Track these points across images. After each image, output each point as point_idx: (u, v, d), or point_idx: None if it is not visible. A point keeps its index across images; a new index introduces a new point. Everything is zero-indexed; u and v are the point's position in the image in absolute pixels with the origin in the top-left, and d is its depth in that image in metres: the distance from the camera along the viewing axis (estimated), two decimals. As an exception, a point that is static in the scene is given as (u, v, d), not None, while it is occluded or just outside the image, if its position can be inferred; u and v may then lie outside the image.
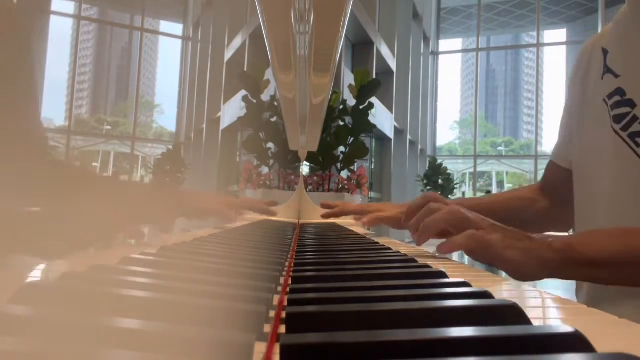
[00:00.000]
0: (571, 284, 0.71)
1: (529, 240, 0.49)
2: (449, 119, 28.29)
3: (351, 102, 2.41)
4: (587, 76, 0.68)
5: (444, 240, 0.53)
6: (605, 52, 0.65)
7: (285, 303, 0.26)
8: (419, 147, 13.59)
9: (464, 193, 15.92)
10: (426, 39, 15.00)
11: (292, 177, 2.15)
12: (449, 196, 9.67)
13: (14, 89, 0.55)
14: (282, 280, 0.35)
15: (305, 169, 2.49)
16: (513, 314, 0.23)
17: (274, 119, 2.43)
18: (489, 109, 33.70)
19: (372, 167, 11.00)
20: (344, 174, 2.31)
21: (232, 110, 9.77)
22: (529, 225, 0.78)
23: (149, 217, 0.57)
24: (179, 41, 17.43)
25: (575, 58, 0.73)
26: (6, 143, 0.52)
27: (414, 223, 0.58)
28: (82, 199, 0.53)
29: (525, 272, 0.47)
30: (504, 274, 0.50)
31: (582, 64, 0.71)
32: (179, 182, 8.32)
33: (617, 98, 0.61)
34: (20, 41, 0.56)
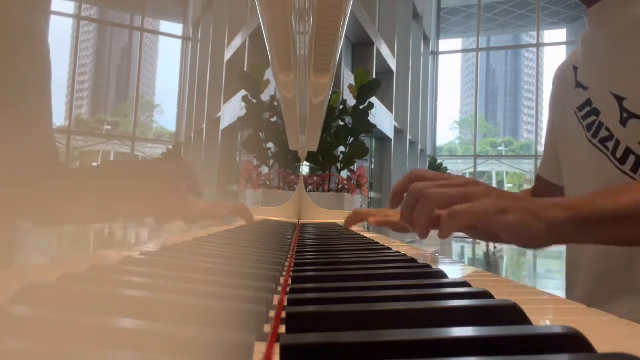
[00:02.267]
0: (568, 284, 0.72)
1: (529, 201, 0.43)
2: (449, 119, 28.32)
3: (351, 102, 2.40)
4: (564, 93, 0.73)
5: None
6: (575, 69, 0.69)
7: (285, 303, 0.26)
8: (419, 147, 13.60)
9: (464, 193, 15.88)
10: (426, 39, 15.01)
11: (292, 177, 2.15)
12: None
13: (23, 92, 0.55)
14: (282, 280, 0.35)
15: (305, 169, 2.49)
16: (513, 314, 0.23)
17: (274, 119, 2.42)
18: (489, 109, 33.71)
19: (372, 167, 11.00)
20: (344, 174, 2.31)
21: (232, 110, 9.77)
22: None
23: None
24: (179, 41, 17.44)
25: (553, 80, 0.78)
26: (12, 144, 0.52)
27: (404, 213, 0.49)
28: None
29: (531, 235, 0.41)
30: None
31: (559, 83, 0.76)
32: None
33: (587, 109, 0.64)
34: (27, 44, 0.56)
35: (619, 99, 0.58)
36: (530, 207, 0.42)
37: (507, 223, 0.41)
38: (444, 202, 0.44)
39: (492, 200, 0.43)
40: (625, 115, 0.57)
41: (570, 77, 0.70)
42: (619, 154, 0.58)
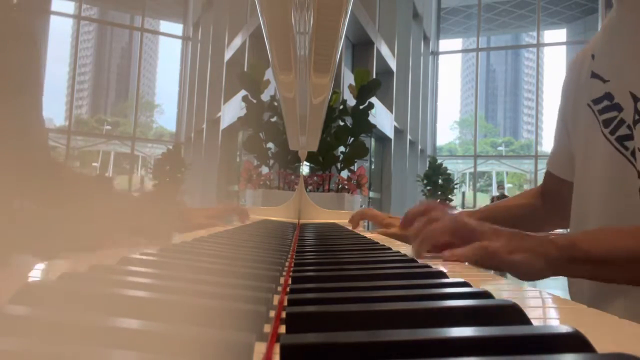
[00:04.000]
0: (570, 284, 0.72)
1: (533, 239, 0.49)
2: (449, 119, 28.33)
3: (351, 102, 2.40)
4: (577, 83, 0.70)
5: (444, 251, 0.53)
6: (593, 57, 0.66)
7: (285, 303, 0.26)
8: (419, 147, 13.60)
9: (464, 193, 15.91)
10: (426, 39, 15.01)
11: (292, 177, 2.15)
12: (449, 196, 9.67)
13: (14, 89, 0.55)
14: (282, 280, 0.35)
15: (305, 169, 2.49)
16: (513, 314, 0.23)
17: (274, 119, 2.42)
18: (489, 109, 33.71)
19: (372, 167, 11.01)
20: (344, 174, 2.31)
21: (232, 110, 9.77)
22: (530, 228, 0.79)
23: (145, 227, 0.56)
24: (179, 41, 17.44)
25: (567, 67, 0.75)
26: (6, 143, 0.52)
27: (413, 231, 0.56)
28: (80, 201, 0.53)
29: (533, 272, 0.48)
30: (508, 275, 0.50)
31: (574, 71, 0.72)
32: (178, 182, 8.32)
33: (606, 103, 0.61)
34: (21, 41, 0.56)
35: (635, 99, 0.56)
36: (533, 246, 0.48)
37: (516, 263, 0.47)
38: (458, 231, 0.51)
39: (503, 240, 0.49)
40: (637, 117, 0.56)
41: (586, 66, 0.67)
42: (637, 155, 0.57)
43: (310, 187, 2.09)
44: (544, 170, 0.84)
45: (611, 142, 0.60)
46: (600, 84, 0.63)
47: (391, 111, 10.95)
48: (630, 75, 0.57)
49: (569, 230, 0.73)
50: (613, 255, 0.48)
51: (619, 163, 0.59)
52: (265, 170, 2.26)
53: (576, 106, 0.68)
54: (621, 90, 0.59)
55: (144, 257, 0.38)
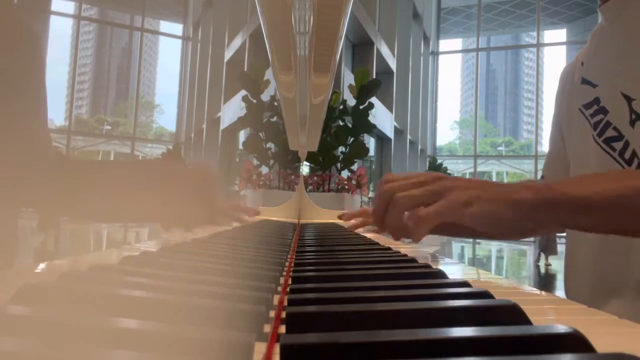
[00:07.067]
0: (567, 282, 0.72)
1: (498, 187, 0.44)
2: (449, 119, 28.35)
3: (351, 102, 2.41)
4: (570, 89, 0.72)
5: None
6: (583, 65, 0.68)
7: (285, 303, 0.26)
8: (419, 147, 13.60)
9: (464, 193, 15.91)
10: (426, 39, 15.02)
11: (292, 177, 2.15)
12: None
13: (17, 91, 0.55)
14: (282, 280, 0.35)
15: (305, 169, 2.49)
16: (513, 314, 0.23)
17: (274, 119, 2.43)
18: (489, 109, 33.72)
19: (372, 167, 11.01)
20: (344, 174, 2.31)
21: (232, 110, 9.77)
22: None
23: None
24: (179, 41, 17.45)
25: (560, 76, 0.77)
26: (10, 146, 0.52)
27: (376, 217, 0.49)
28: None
29: (499, 220, 0.42)
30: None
31: (567, 79, 0.74)
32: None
33: (595, 107, 0.63)
34: (23, 42, 0.56)
35: (629, 100, 0.57)
36: (497, 193, 0.42)
37: (473, 214, 0.42)
38: (411, 204, 0.45)
39: (456, 194, 0.43)
40: (633, 116, 0.57)
41: (577, 73, 0.69)
42: (627, 155, 0.58)
43: (310, 187, 2.09)
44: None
45: (599, 144, 0.62)
46: (590, 89, 0.65)
47: (391, 111, 10.95)
48: (621, 77, 0.59)
49: (565, 234, 0.74)
50: (595, 198, 0.42)
51: (608, 164, 0.60)
52: (265, 170, 2.26)
53: (570, 111, 0.70)
54: (609, 93, 0.61)
55: (144, 257, 0.38)
